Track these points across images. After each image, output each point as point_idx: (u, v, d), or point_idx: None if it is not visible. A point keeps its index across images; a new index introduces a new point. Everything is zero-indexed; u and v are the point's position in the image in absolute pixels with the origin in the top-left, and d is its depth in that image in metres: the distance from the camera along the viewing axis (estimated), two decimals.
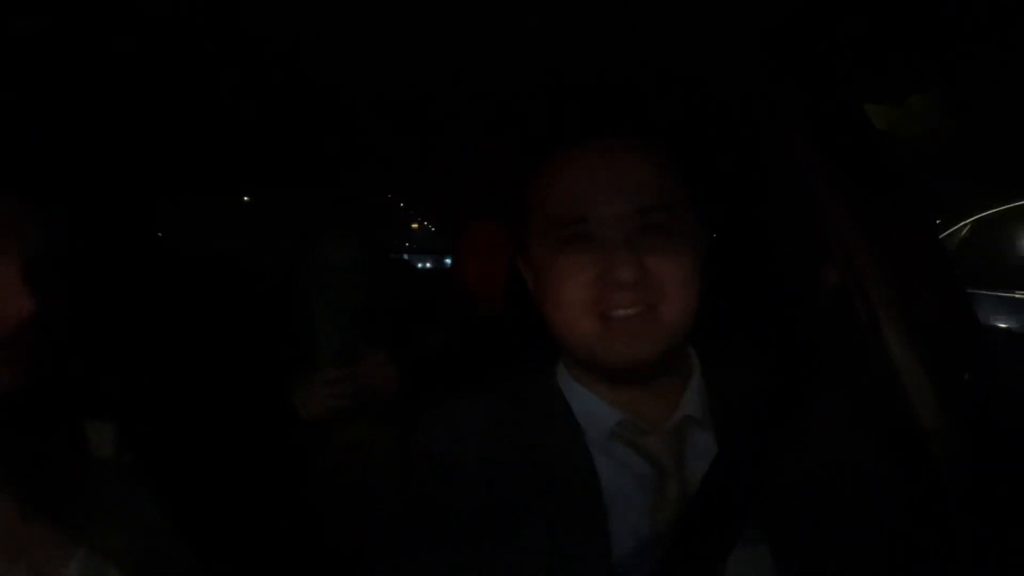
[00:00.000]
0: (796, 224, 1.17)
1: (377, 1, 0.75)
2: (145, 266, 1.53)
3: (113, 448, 1.00)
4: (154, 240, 1.61)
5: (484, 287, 1.80)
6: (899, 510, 0.89)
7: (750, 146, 1.20)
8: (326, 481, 1.55)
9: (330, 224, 1.66)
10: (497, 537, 0.86)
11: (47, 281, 0.87)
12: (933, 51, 0.90)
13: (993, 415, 1.03)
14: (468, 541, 0.86)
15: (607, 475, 0.89)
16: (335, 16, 0.77)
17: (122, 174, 1.46)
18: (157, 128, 1.17)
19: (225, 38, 0.83)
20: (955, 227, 4.85)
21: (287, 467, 1.48)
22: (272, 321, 1.66)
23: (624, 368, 0.89)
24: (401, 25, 0.79)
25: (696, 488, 0.87)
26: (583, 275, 0.88)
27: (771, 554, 0.84)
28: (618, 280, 0.85)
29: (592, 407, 0.94)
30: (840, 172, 1.09)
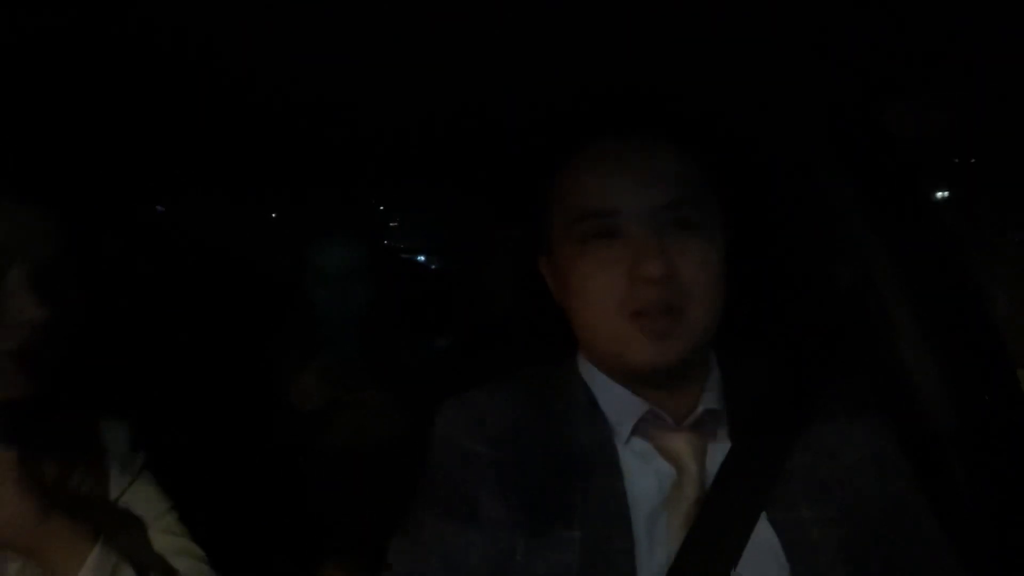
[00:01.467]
0: (813, 222, 1.17)
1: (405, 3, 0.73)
2: (154, 267, 1.50)
3: (127, 446, 0.99)
4: (162, 241, 1.57)
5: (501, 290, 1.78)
6: (912, 507, 0.89)
7: (770, 146, 1.20)
8: (331, 475, 1.52)
9: (330, 230, 1.62)
10: (521, 526, 0.85)
11: (58, 289, 0.86)
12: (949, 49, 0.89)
13: (1006, 415, 1.03)
14: (492, 531, 0.85)
15: (629, 468, 0.88)
16: (364, 20, 0.76)
17: (126, 178, 1.43)
18: (159, 132, 1.15)
19: (229, 43, 0.81)
20: None
21: (295, 463, 1.47)
22: (277, 320, 1.64)
23: (651, 369, 0.87)
24: (429, 21, 0.78)
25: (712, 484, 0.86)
26: (611, 271, 0.86)
27: (783, 550, 0.83)
28: (647, 275, 0.83)
29: (616, 397, 0.92)
30: (857, 173, 1.09)
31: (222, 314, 1.58)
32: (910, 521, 0.88)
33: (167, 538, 0.97)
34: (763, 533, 0.84)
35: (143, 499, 0.98)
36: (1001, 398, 1.04)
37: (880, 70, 0.98)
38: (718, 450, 0.90)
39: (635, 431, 0.90)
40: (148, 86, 0.94)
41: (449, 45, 0.84)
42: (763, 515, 0.85)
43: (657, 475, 0.88)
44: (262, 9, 0.74)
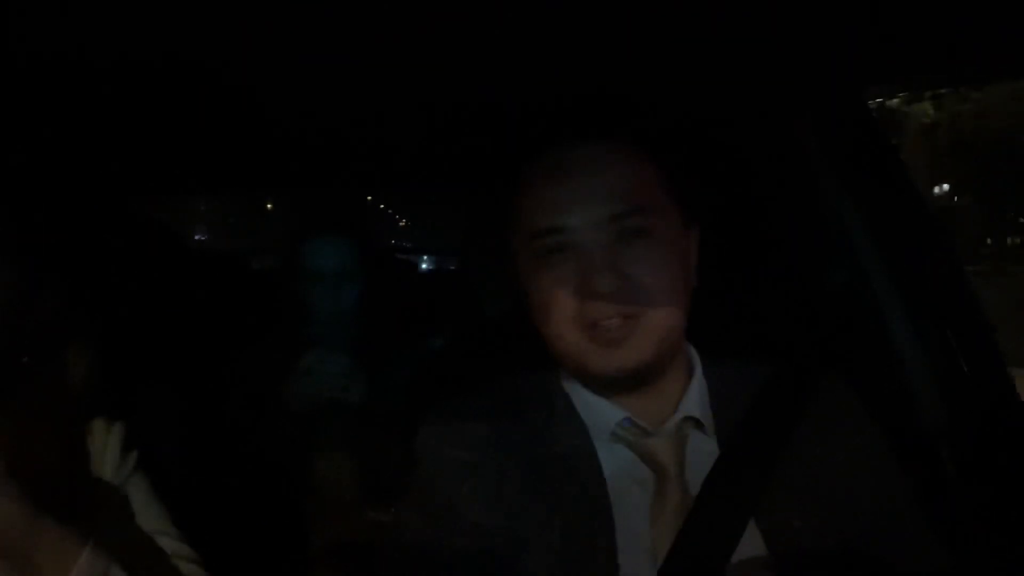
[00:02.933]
0: (803, 222, 1.15)
1: (367, 8, 0.72)
2: (147, 266, 1.48)
3: (118, 447, 0.97)
4: (154, 239, 1.56)
5: None
6: (903, 510, 0.88)
7: (756, 144, 1.18)
8: (323, 480, 1.51)
9: (319, 229, 1.59)
10: (504, 535, 0.84)
11: None
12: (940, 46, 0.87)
13: (998, 414, 1.01)
14: (475, 539, 0.84)
15: (610, 475, 0.87)
16: (325, 22, 0.75)
17: (114, 173, 1.42)
18: (151, 126, 1.13)
19: (220, 38, 0.80)
20: None
21: (286, 466, 1.45)
22: (269, 320, 1.63)
23: (612, 377, 0.88)
24: (388, 32, 0.77)
25: (697, 489, 0.85)
26: (564, 287, 0.87)
27: (772, 555, 0.82)
28: (597, 291, 0.84)
29: (594, 406, 0.92)
30: (847, 171, 1.08)
31: (214, 314, 1.56)
32: (901, 526, 0.86)
33: (159, 540, 0.95)
34: (751, 539, 0.83)
35: (135, 501, 0.97)
36: (995, 398, 1.02)
37: (871, 65, 0.96)
38: (700, 456, 0.89)
39: (614, 438, 0.90)
40: (138, 78, 0.93)
41: (421, 48, 0.84)
42: (751, 521, 0.84)
43: (637, 481, 0.88)
44: (251, 9, 0.73)
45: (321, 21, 0.74)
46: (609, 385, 0.90)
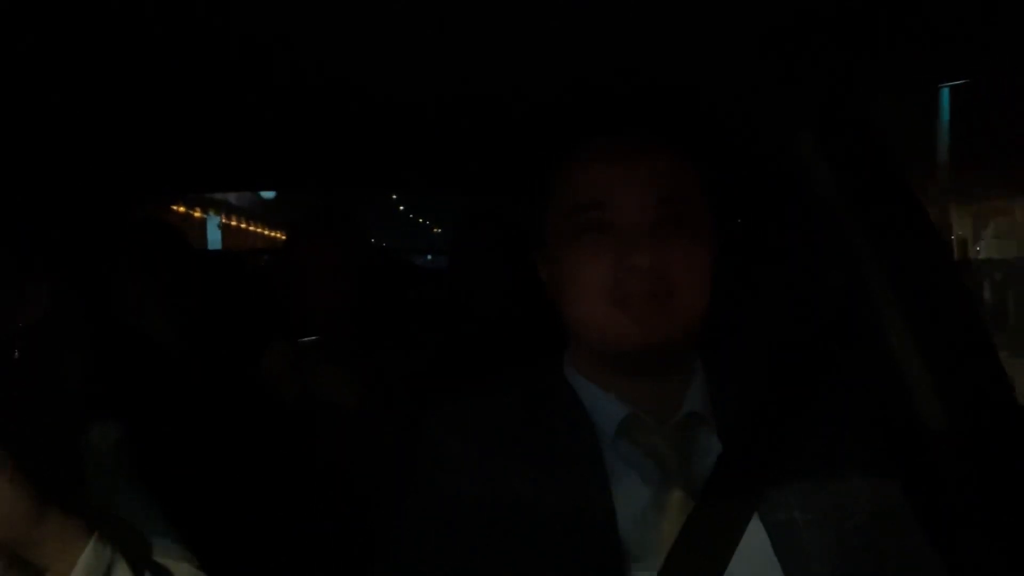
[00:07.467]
0: (802, 223, 1.14)
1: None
2: (145, 267, 1.48)
3: (114, 448, 0.97)
4: (153, 240, 1.55)
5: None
6: (902, 511, 0.86)
7: (756, 146, 1.17)
8: (322, 475, 1.48)
9: (312, 224, 1.58)
10: (506, 530, 0.84)
11: None
12: (938, 49, 0.85)
13: (997, 416, 0.99)
14: (477, 534, 0.84)
15: (614, 470, 0.87)
16: (361, 12, 0.74)
17: (109, 173, 1.42)
18: (160, 124, 1.14)
19: (228, 34, 0.80)
20: None
21: (285, 466, 1.43)
22: (268, 319, 1.60)
23: (635, 352, 0.87)
24: (429, 21, 0.78)
25: (700, 486, 0.85)
26: (600, 261, 0.86)
27: (775, 551, 0.81)
28: (634, 265, 0.83)
29: (598, 401, 0.91)
30: (845, 173, 1.06)
31: (213, 314, 1.56)
32: (900, 525, 0.85)
33: (156, 540, 0.94)
34: (755, 535, 0.82)
35: (131, 501, 0.96)
36: (992, 399, 1.00)
37: (871, 69, 0.94)
38: (704, 452, 0.88)
39: (619, 434, 0.89)
40: (147, 77, 0.92)
41: (450, 40, 0.83)
42: (755, 517, 0.83)
43: (642, 477, 0.87)
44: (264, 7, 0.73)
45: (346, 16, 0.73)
46: (625, 365, 0.89)
